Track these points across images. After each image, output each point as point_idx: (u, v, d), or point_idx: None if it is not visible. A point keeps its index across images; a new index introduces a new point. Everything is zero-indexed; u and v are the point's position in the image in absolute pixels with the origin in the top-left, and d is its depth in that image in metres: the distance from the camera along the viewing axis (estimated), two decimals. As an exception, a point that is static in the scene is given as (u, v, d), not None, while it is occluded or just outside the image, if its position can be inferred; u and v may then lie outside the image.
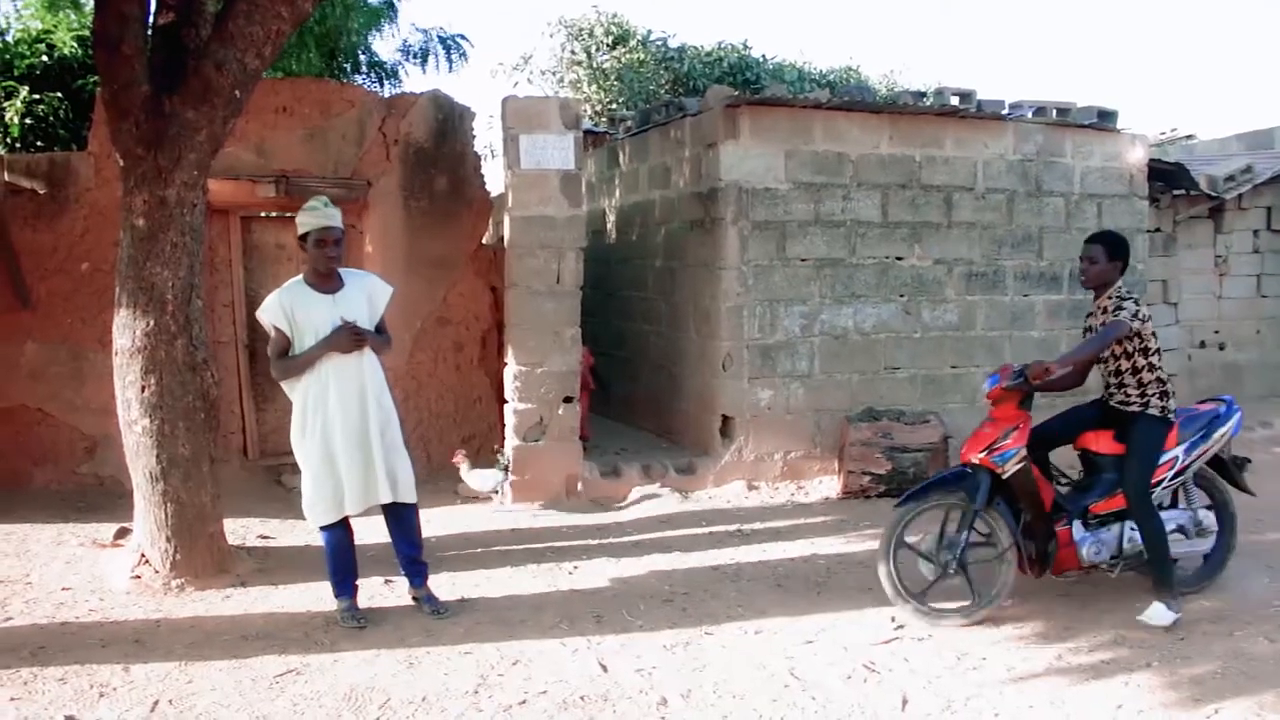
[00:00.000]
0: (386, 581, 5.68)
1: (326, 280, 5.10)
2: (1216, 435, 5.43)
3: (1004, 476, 5.08)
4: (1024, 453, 5.08)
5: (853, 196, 8.35)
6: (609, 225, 10.65)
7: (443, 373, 8.50)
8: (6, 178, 7.60)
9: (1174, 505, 5.54)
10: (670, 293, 9.12)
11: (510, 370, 7.73)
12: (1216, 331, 11.64)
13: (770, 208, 8.07)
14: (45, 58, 10.11)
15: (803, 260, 8.22)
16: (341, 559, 5.19)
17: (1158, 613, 5.04)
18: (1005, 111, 8.91)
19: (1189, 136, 15.15)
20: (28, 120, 9.77)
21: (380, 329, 5.28)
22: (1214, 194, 10.83)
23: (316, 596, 5.44)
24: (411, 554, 5.34)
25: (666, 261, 9.20)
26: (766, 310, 8.13)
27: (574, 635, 4.99)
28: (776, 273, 8.14)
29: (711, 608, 5.39)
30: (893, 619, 5.16)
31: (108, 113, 5.55)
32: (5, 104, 9.74)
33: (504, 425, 7.88)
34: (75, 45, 10.12)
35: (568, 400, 7.76)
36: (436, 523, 6.94)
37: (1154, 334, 5.26)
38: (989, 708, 4.21)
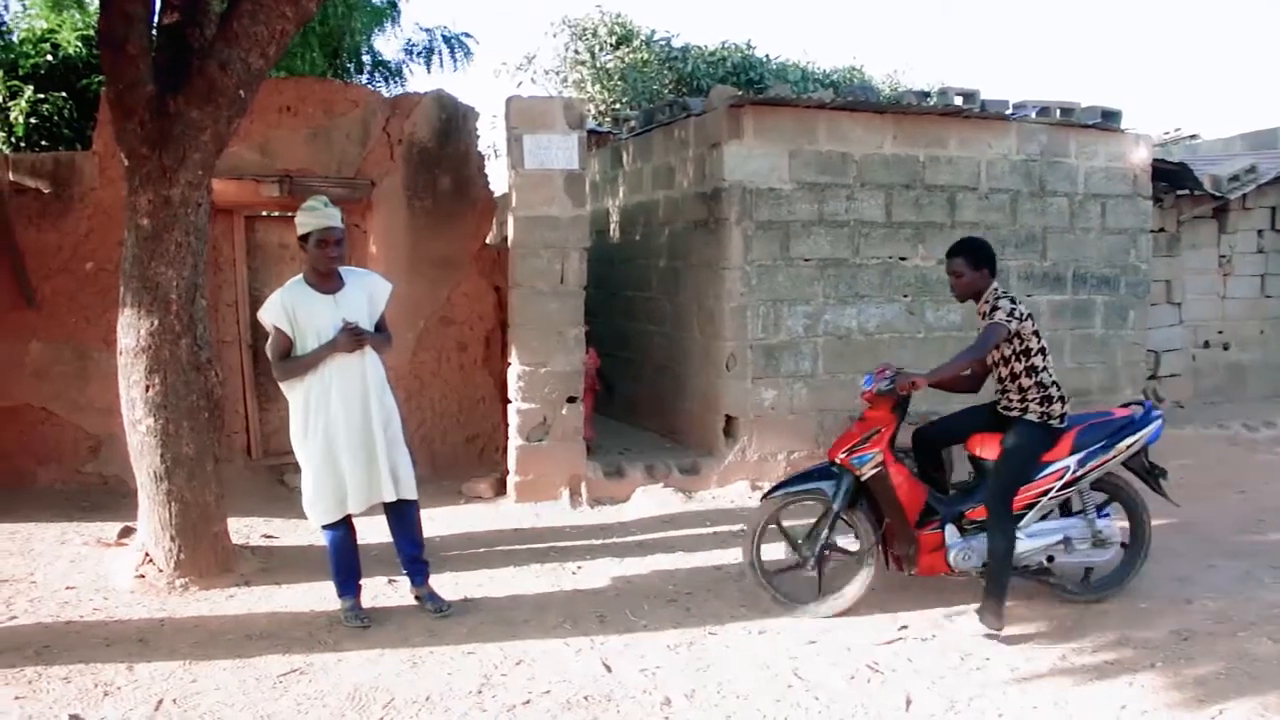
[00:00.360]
0: (390, 581, 5.68)
1: (327, 280, 5.11)
2: (1122, 445, 5.25)
3: (861, 479, 5.11)
4: (881, 457, 5.09)
5: (856, 196, 8.35)
6: (613, 225, 10.65)
7: (446, 372, 8.50)
8: (11, 177, 7.60)
9: (1071, 514, 5.43)
10: (674, 293, 9.12)
11: (514, 370, 7.73)
12: (1220, 332, 11.63)
13: (774, 208, 8.07)
14: (50, 57, 10.13)
15: (806, 260, 8.22)
16: (344, 558, 5.20)
17: (974, 624, 5.00)
18: (1009, 111, 8.91)
19: (1193, 136, 15.13)
20: (32, 120, 9.79)
21: (381, 327, 5.29)
22: (1218, 194, 10.82)
23: (320, 596, 5.45)
24: (413, 553, 5.34)
25: (670, 261, 9.20)
26: (770, 310, 8.12)
27: (577, 635, 4.99)
28: (780, 273, 8.14)
29: (715, 608, 5.40)
30: (895, 619, 5.16)
31: (112, 112, 5.55)
32: (10, 103, 9.76)
33: (507, 425, 7.88)
34: (80, 45, 10.13)
35: (571, 400, 7.76)
36: (440, 522, 6.94)
37: (1036, 334, 5.15)
38: (992, 708, 4.21)
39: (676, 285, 9.05)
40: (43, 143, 9.92)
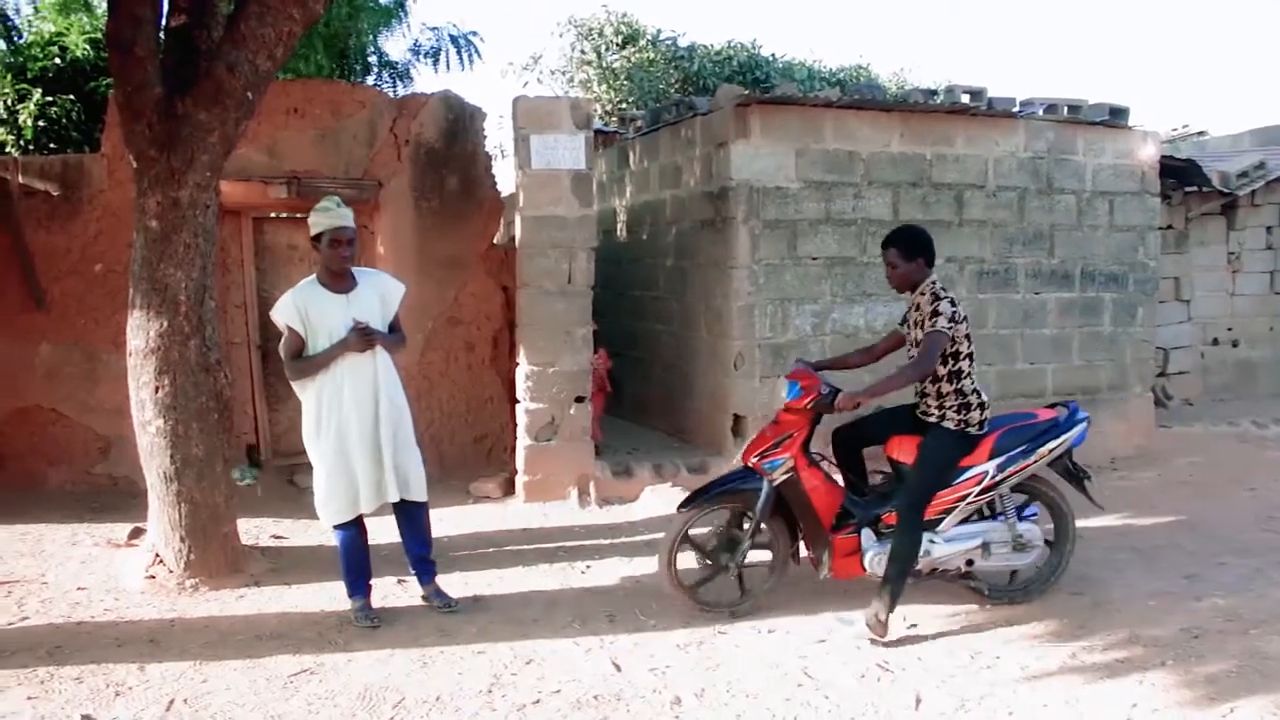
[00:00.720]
0: (399, 581, 5.69)
1: (340, 280, 5.12)
2: (1044, 450, 5.13)
3: (773, 484, 5.04)
4: (792, 463, 5.02)
5: (864, 195, 8.34)
6: (620, 225, 10.65)
7: (454, 372, 8.51)
8: (20, 180, 7.63)
9: (994, 516, 5.30)
10: (681, 292, 9.12)
11: (522, 370, 7.73)
12: (1230, 329, 11.62)
13: (781, 207, 8.06)
14: (58, 60, 10.15)
15: (814, 259, 8.21)
16: (355, 558, 5.21)
17: (863, 623, 4.93)
18: (1016, 109, 8.89)
19: (1201, 133, 15.12)
20: (41, 122, 9.81)
21: (394, 328, 5.33)
22: (1226, 190, 10.81)
23: (330, 596, 5.46)
24: (421, 553, 5.38)
25: (677, 261, 9.20)
26: (778, 309, 8.12)
27: (587, 634, 5.00)
28: (787, 272, 8.13)
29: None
30: (905, 618, 5.16)
31: (120, 115, 5.56)
32: (19, 106, 9.79)
33: (515, 425, 7.89)
34: (88, 48, 10.15)
35: (579, 400, 7.76)
36: (449, 522, 6.95)
37: (967, 337, 4.99)
38: (1003, 707, 4.20)
39: (684, 284, 9.05)
40: (51, 145, 9.95)
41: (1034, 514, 5.41)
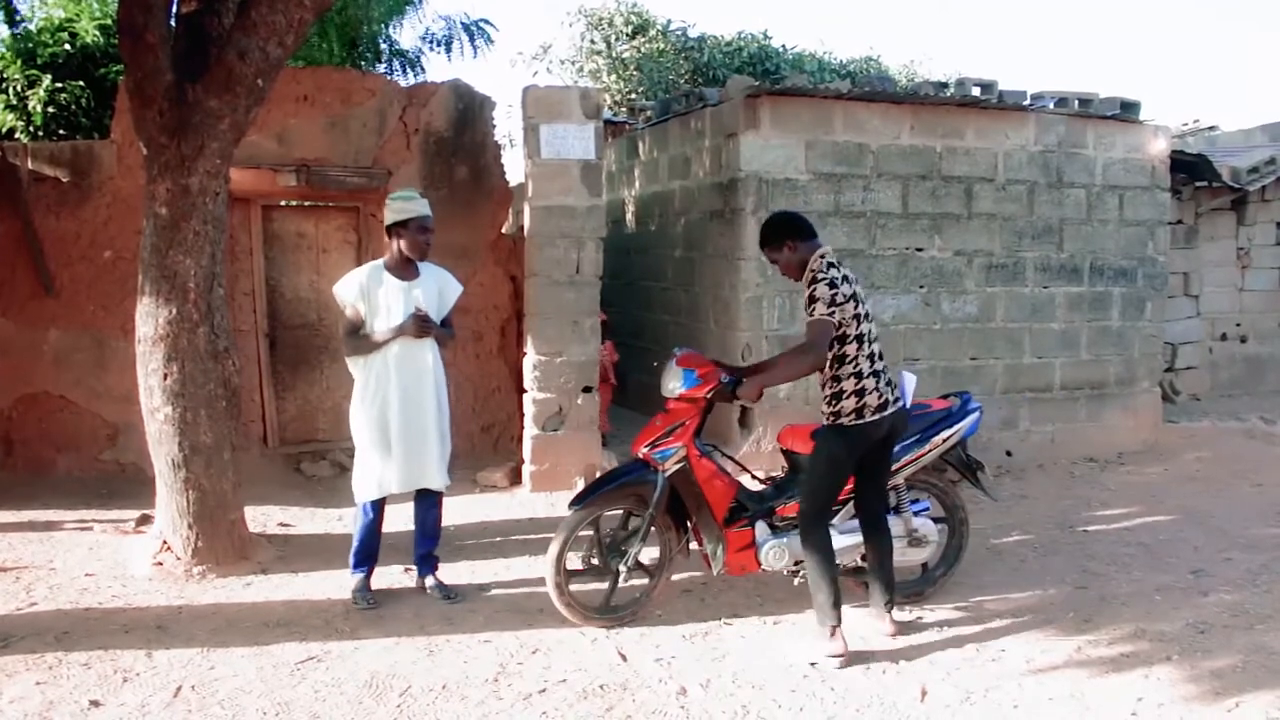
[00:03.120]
0: (406, 570, 5.70)
1: (406, 268, 5.32)
2: (937, 439, 5.06)
3: (664, 474, 4.84)
4: (684, 452, 4.84)
5: (873, 187, 8.32)
6: (628, 215, 10.64)
7: (462, 362, 8.51)
8: (30, 166, 7.64)
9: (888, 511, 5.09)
10: (689, 283, 9.11)
11: (529, 360, 7.74)
12: (1238, 324, 11.59)
13: (790, 198, 8.05)
14: (68, 46, 10.15)
15: (822, 251, 8.19)
16: (368, 539, 5.33)
17: (808, 650, 4.64)
18: (1027, 102, 8.87)
19: (1212, 128, 15.04)
20: (51, 109, 9.81)
21: (446, 323, 5.48)
22: (1236, 186, 10.78)
23: (337, 584, 5.47)
24: (429, 547, 5.50)
25: (686, 252, 9.19)
26: (785, 301, 8.11)
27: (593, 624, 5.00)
28: (796, 263, 8.10)
29: (730, 598, 5.40)
30: (911, 611, 5.16)
31: (131, 101, 5.57)
32: (29, 92, 9.79)
33: (523, 415, 7.90)
34: (98, 34, 10.15)
35: (587, 390, 7.76)
36: (455, 511, 6.96)
37: (859, 317, 4.53)
38: (1008, 700, 4.21)
39: (692, 275, 9.05)
40: (61, 131, 9.95)
41: (925, 508, 5.32)
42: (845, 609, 4.75)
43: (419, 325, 5.17)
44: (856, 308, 4.52)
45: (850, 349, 4.56)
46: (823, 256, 4.59)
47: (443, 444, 5.38)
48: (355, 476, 5.33)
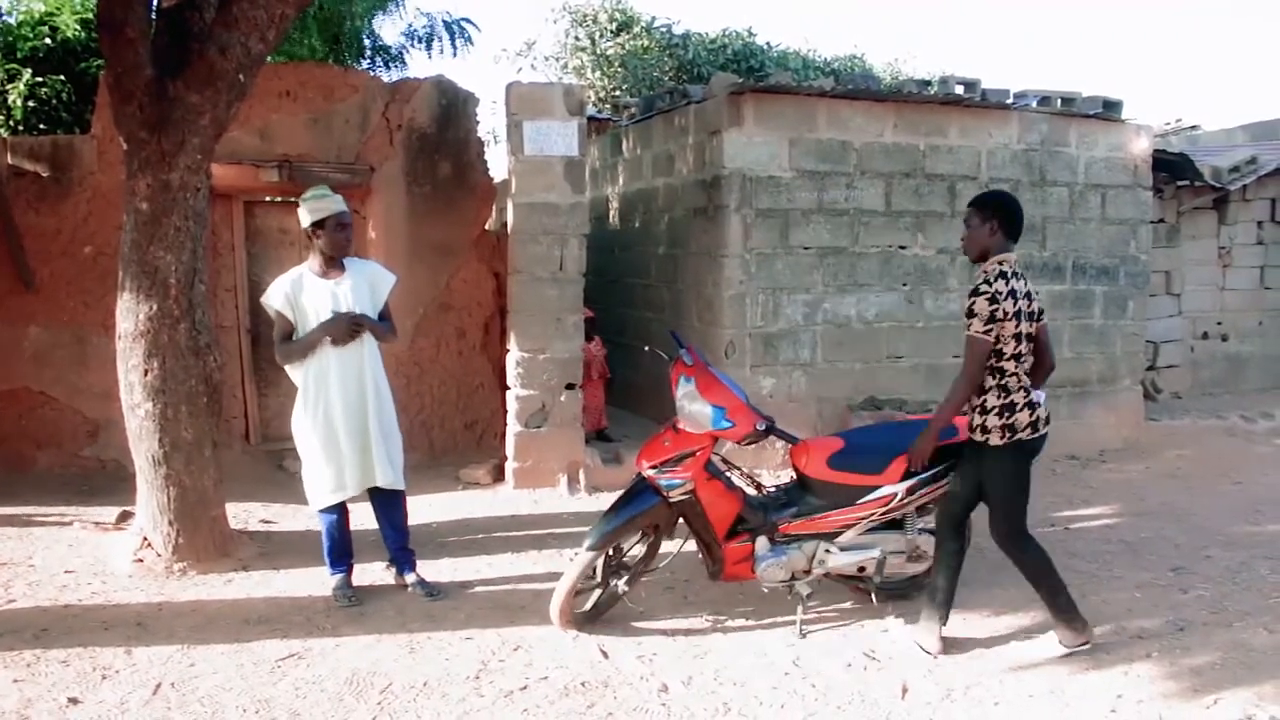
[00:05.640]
0: (387, 566, 5.67)
1: (330, 267, 5.23)
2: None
3: (670, 501, 4.77)
4: (692, 485, 4.74)
5: (856, 185, 8.33)
6: (612, 212, 10.63)
7: (445, 359, 8.49)
8: (10, 160, 7.59)
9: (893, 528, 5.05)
10: (673, 280, 9.11)
11: (512, 356, 7.72)
12: (1219, 323, 11.64)
13: (774, 196, 8.05)
14: (48, 40, 10.08)
15: (805, 249, 8.21)
16: (337, 540, 5.30)
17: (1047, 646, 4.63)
18: (1010, 101, 8.89)
19: (1193, 127, 15.11)
20: (30, 103, 9.75)
21: (384, 317, 5.39)
22: (1218, 185, 10.82)
23: (318, 581, 5.45)
24: (401, 542, 5.47)
25: (669, 249, 9.19)
26: (769, 298, 8.12)
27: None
28: (779, 261, 8.13)
29: (712, 595, 5.40)
30: (891, 608, 5.17)
31: (111, 96, 5.53)
32: (8, 87, 9.73)
33: (506, 411, 7.88)
34: (78, 28, 10.09)
35: (570, 386, 7.76)
36: (438, 508, 6.96)
37: (1014, 337, 4.42)
38: (989, 697, 4.22)
39: (675, 273, 9.04)
40: (41, 126, 9.89)
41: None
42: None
43: (347, 328, 5.10)
44: (1018, 326, 4.40)
45: (1009, 365, 4.46)
46: (1001, 263, 4.47)
47: (387, 440, 5.28)
48: (309, 484, 5.25)
